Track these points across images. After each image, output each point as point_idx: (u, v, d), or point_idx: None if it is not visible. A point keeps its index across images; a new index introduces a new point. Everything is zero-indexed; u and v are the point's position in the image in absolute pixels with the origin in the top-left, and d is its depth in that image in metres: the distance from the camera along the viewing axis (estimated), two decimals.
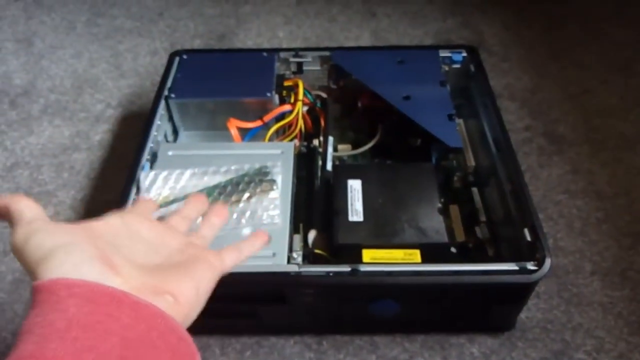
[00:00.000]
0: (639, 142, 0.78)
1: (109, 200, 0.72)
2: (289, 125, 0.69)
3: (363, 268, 0.51)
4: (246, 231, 0.55)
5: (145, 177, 0.59)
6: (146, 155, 0.62)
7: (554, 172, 0.75)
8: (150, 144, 0.63)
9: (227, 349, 0.58)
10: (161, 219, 0.54)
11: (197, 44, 1.00)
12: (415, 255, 0.53)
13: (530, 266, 0.50)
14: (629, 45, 0.96)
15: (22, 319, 0.60)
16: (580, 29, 1.00)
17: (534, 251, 0.52)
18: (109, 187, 0.75)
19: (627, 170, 0.75)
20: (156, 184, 0.59)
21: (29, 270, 0.27)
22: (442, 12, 1.06)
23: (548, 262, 0.50)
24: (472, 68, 0.74)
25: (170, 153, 0.64)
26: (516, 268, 0.51)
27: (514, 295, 0.54)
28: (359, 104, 0.73)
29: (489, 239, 0.61)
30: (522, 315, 0.59)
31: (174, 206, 0.56)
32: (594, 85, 0.88)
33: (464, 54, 0.75)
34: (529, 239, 0.53)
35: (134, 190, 0.58)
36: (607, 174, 0.74)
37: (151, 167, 0.62)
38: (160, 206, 0.56)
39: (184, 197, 0.57)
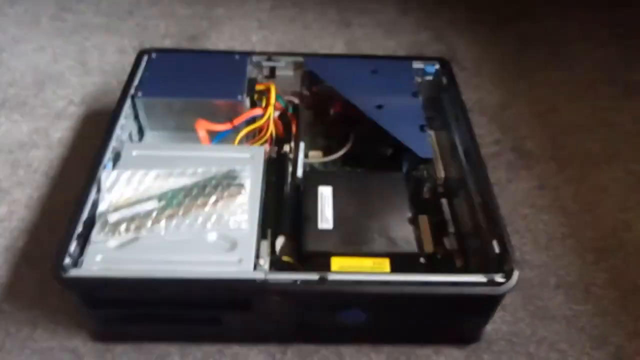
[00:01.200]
0: (604, 160, 0.80)
1: (68, 200, 0.68)
2: (260, 129, 0.68)
3: (331, 276, 0.50)
4: (212, 236, 0.53)
5: (107, 176, 0.57)
6: (109, 154, 0.60)
7: (521, 187, 0.76)
8: (113, 143, 0.61)
9: (188, 357, 0.56)
10: (121, 221, 0.53)
11: (167, 44, 0.98)
12: (385, 264, 0.53)
13: (499, 278, 0.50)
14: (597, 67, 0.99)
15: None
16: (549, 49, 1.03)
17: (502, 263, 0.52)
18: (68, 187, 0.72)
19: (592, 187, 0.76)
20: (118, 184, 0.56)
21: None
22: (416, 25, 1.07)
23: (516, 274, 0.50)
24: (445, 80, 0.74)
25: (134, 153, 0.61)
26: (484, 280, 0.50)
27: (482, 307, 0.53)
28: (331, 111, 0.72)
29: (457, 250, 0.61)
30: (488, 327, 0.59)
31: (135, 208, 0.54)
32: (561, 104, 0.90)
33: (437, 67, 0.75)
34: (497, 250, 0.53)
35: (94, 190, 0.56)
36: (573, 190, 0.76)
37: (114, 167, 0.59)
38: (122, 208, 0.54)
39: (147, 199, 0.55)
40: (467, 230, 0.62)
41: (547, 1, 1.16)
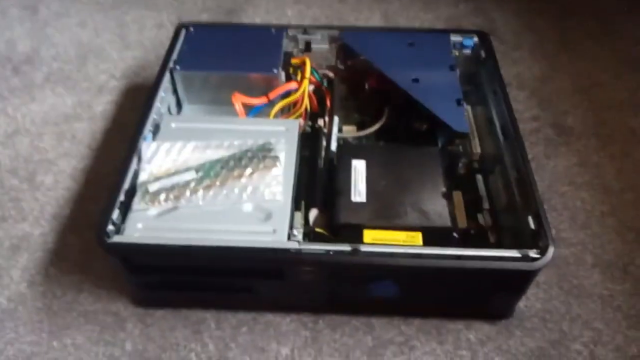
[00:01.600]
0: None
1: (110, 171, 0.71)
2: (295, 103, 0.68)
3: (364, 248, 0.50)
4: (247, 207, 0.54)
5: (147, 148, 0.59)
6: (149, 127, 0.61)
7: (560, 164, 0.74)
8: (153, 115, 0.62)
9: (223, 323, 0.58)
10: (160, 191, 0.54)
11: (205, 18, 0.99)
12: (417, 237, 0.53)
13: (533, 254, 0.50)
14: None
15: (17, 285, 0.60)
16: (592, 22, 0.99)
17: (537, 239, 0.51)
18: (110, 158, 0.74)
19: (635, 165, 0.74)
20: (158, 155, 0.58)
21: None
22: None
23: (551, 250, 0.50)
24: (483, 54, 0.72)
25: (173, 125, 0.63)
26: (519, 255, 0.50)
27: (515, 282, 0.53)
28: (367, 86, 0.72)
29: (491, 227, 0.60)
30: (521, 304, 0.59)
31: (174, 179, 0.56)
32: (604, 79, 0.87)
33: (475, 40, 0.73)
34: (532, 226, 0.52)
35: (135, 161, 0.58)
36: (615, 168, 0.73)
37: (153, 139, 0.61)
38: (162, 178, 0.56)
39: (186, 170, 0.57)
40: (502, 207, 0.61)
41: None
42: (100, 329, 0.58)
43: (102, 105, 0.82)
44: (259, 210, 0.54)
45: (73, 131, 0.78)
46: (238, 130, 0.62)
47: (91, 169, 0.73)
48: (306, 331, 0.57)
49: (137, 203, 0.54)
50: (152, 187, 0.55)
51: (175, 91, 0.69)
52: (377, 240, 0.53)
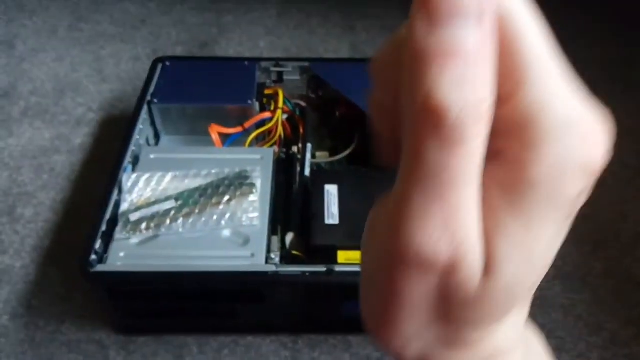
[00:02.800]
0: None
1: (90, 203, 0.73)
2: (269, 132, 0.72)
3: (338, 268, 0.53)
4: (226, 232, 0.57)
5: (128, 178, 0.61)
6: (128, 158, 0.63)
7: None
8: (132, 147, 0.65)
9: (205, 347, 0.60)
10: (141, 220, 0.56)
11: (179, 51, 1.02)
12: None
13: None
14: (597, 64, 1.01)
15: (0, 318, 0.61)
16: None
17: None
18: (90, 189, 0.76)
19: None
20: (138, 185, 0.60)
21: None
22: None
23: None
24: None
25: (152, 156, 0.65)
26: None
27: None
28: (337, 113, 0.75)
29: None
30: None
31: (155, 208, 0.58)
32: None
33: None
34: None
35: (115, 192, 0.60)
36: None
37: (133, 170, 0.63)
38: (142, 207, 0.58)
39: (166, 199, 0.59)
40: None
41: None
42: (83, 357, 0.59)
43: (81, 137, 0.84)
44: (237, 236, 0.57)
45: (52, 164, 0.79)
46: (215, 159, 0.64)
47: (70, 200, 0.75)
48: (286, 351, 0.60)
49: (119, 232, 0.56)
50: (134, 217, 0.57)
51: (153, 123, 0.72)
52: (351, 260, 0.56)
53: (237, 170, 0.62)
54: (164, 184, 0.61)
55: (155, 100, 0.70)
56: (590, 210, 0.74)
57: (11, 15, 1.09)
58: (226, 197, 0.59)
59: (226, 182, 0.61)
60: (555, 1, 1.13)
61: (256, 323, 0.60)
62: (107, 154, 0.80)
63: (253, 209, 0.58)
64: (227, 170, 0.62)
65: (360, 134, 0.75)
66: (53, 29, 1.06)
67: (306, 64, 0.77)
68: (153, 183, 0.61)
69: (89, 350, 0.59)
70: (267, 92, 0.74)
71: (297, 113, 0.75)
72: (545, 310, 0.64)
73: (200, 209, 0.58)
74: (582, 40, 1.06)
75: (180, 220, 0.57)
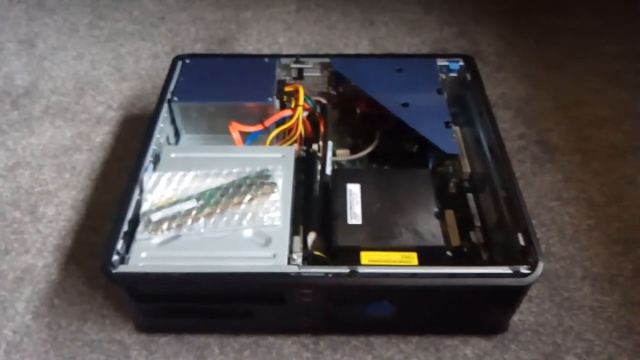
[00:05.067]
0: (629, 152, 0.80)
1: (110, 201, 0.73)
2: (289, 129, 0.71)
3: (361, 269, 0.52)
4: (247, 232, 0.56)
5: (148, 178, 0.60)
6: (149, 157, 0.63)
7: (546, 180, 0.77)
8: (153, 146, 0.64)
9: (226, 348, 0.59)
10: (163, 220, 0.56)
11: (198, 48, 1.02)
12: (412, 257, 0.55)
13: (524, 270, 0.52)
14: (621, 58, 0.98)
15: (22, 317, 0.61)
16: (572, 41, 1.03)
17: (527, 255, 0.53)
18: (110, 188, 0.76)
19: (617, 179, 0.77)
20: (159, 185, 0.60)
21: None
22: (439, 21, 1.08)
23: (541, 266, 0.52)
24: (469, 77, 0.75)
25: (172, 155, 0.65)
26: (510, 271, 0.52)
27: (507, 298, 0.55)
28: (358, 111, 0.74)
29: (483, 244, 0.62)
30: (515, 318, 0.61)
31: (176, 207, 0.58)
32: (586, 96, 0.90)
33: (461, 63, 0.76)
34: (522, 243, 0.54)
35: (136, 191, 0.59)
36: (598, 182, 0.76)
37: (154, 169, 0.63)
38: (164, 207, 0.58)
39: (187, 199, 0.59)
40: (492, 224, 0.64)
41: None
42: (105, 357, 0.59)
43: (101, 136, 0.84)
44: (258, 236, 0.56)
45: (73, 162, 0.80)
46: (236, 158, 0.64)
47: (92, 199, 0.75)
48: (308, 353, 0.59)
49: (140, 232, 0.56)
50: (155, 217, 0.57)
51: (173, 121, 0.72)
52: (374, 261, 0.55)
53: (258, 169, 0.61)
54: (185, 183, 0.60)
55: (176, 99, 0.70)
56: (618, 209, 0.72)
57: (32, 14, 1.10)
58: (248, 197, 0.58)
59: (247, 181, 0.60)
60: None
61: (277, 324, 0.59)
62: (127, 152, 0.80)
63: (275, 208, 0.58)
64: (248, 169, 0.61)
65: (382, 131, 0.73)
66: (73, 27, 1.07)
67: (327, 60, 0.76)
68: (174, 182, 0.60)
69: (111, 349, 0.59)
70: (287, 89, 0.73)
71: (318, 110, 0.74)
72: (573, 312, 0.62)
73: (221, 208, 0.57)
74: (607, 34, 1.03)
75: (202, 220, 0.57)
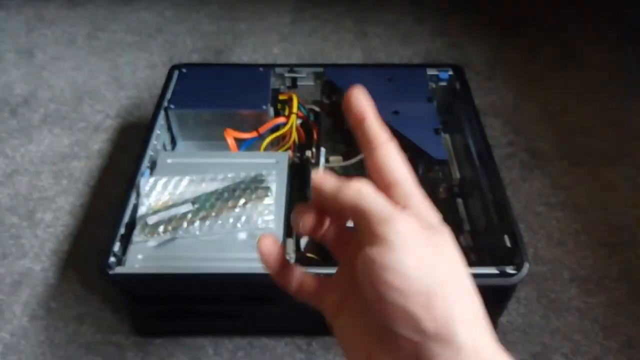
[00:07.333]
0: (614, 158, 0.83)
1: (107, 207, 0.74)
2: (283, 136, 0.73)
3: None
4: (242, 235, 0.58)
5: (145, 183, 0.62)
6: (146, 163, 0.65)
7: (535, 186, 0.79)
8: (150, 152, 0.66)
9: (221, 349, 0.60)
10: (159, 223, 0.57)
11: (195, 58, 1.04)
12: None
13: (510, 270, 0.54)
14: (605, 68, 1.01)
15: (19, 319, 0.62)
16: (558, 52, 1.05)
17: (513, 256, 0.55)
18: (107, 194, 0.77)
19: (603, 185, 0.79)
20: (155, 189, 0.61)
21: None
22: (430, 33, 1.11)
23: (526, 266, 0.53)
24: (458, 86, 0.78)
25: (169, 161, 0.66)
26: (496, 272, 0.54)
27: (494, 298, 0.57)
28: None
29: (472, 247, 0.64)
30: (503, 319, 0.62)
31: (172, 211, 0.59)
32: (572, 104, 0.93)
33: (450, 73, 0.79)
34: (508, 244, 0.56)
35: (133, 196, 0.61)
36: (585, 188, 0.78)
37: (151, 174, 0.64)
38: (160, 211, 0.59)
39: (183, 203, 0.60)
40: (481, 228, 0.65)
41: (556, 4, 1.18)
42: (101, 359, 0.60)
43: (99, 143, 0.85)
44: (252, 238, 0.57)
45: (70, 169, 0.81)
46: (231, 163, 0.65)
47: (89, 205, 0.76)
48: (301, 354, 0.60)
49: (137, 235, 0.57)
50: (151, 220, 0.58)
51: (169, 129, 0.73)
52: None
53: (253, 174, 0.63)
54: (181, 188, 0.62)
55: (172, 106, 0.71)
56: (604, 214, 0.74)
57: (31, 25, 1.12)
58: (242, 201, 0.60)
59: (242, 185, 0.62)
60: (571, 7, 1.14)
61: (271, 325, 0.61)
62: (124, 159, 0.81)
63: (268, 212, 0.59)
64: (242, 174, 0.63)
65: None
66: (71, 38, 1.09)
67: (320, 69, 0.78)
68: (170, 187, 0.62)
69: (107, 351, 0.60)
70: (281, 97, 0.75)
71: (311, 118, 0.76)
72: (560, 314, 0.63)
73: (216, 212, 0.59)
74: (592, 44, 1.06)
75: (197, 223, 0.58)
